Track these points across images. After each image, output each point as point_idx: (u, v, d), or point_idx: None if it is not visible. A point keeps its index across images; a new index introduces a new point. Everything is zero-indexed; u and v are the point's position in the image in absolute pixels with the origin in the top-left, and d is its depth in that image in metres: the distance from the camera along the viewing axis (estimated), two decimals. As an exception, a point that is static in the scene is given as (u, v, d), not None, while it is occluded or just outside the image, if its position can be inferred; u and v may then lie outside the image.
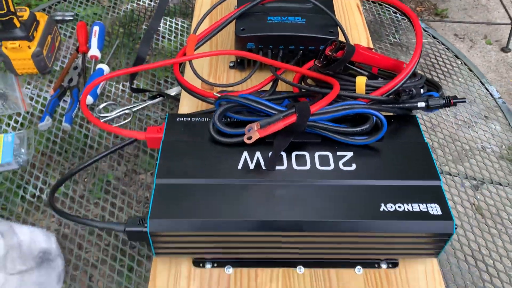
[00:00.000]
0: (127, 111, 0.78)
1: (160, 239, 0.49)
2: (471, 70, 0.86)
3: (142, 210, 0.67)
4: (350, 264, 0.54)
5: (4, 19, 0.75)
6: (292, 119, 0.53)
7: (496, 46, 1.98)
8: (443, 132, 0.77)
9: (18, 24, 0.77)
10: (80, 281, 0.60)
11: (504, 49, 1.94)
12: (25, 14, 0.79)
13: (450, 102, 0.58)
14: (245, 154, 0.54)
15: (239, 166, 0.53)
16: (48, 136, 0.75)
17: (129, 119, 0.77)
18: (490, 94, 0.82)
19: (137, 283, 0.59)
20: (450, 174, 0.71)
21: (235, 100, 0.55)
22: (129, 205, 0.67)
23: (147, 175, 0.71)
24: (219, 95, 0.59)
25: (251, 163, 0.53)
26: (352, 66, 0.62)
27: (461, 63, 0.88)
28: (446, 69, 0.87)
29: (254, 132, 0.51)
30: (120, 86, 0.83)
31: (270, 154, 0.53)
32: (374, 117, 0.55)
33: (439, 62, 0.89)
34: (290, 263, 0.54)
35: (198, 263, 0.54)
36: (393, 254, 0.53)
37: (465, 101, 0.57)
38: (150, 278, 0.52)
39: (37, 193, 0.68)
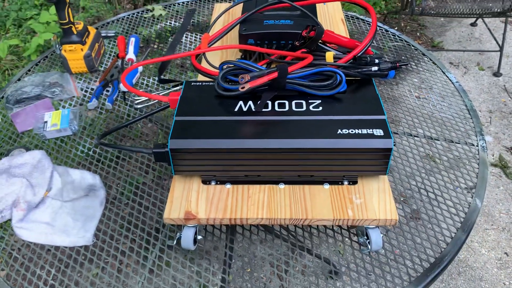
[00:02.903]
0: (155, 96, 0.99)
1: (178, 156, 0.68)
2: (434, 63, 1.05)
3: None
4: (319, 182, 0.71)
5: (65, 27, 0.99)
6: (274, 74, 0.73)
7: (488, 71, 2.16)
8: (407, 107, 0.95)
9: (75, 32, 1.01)
10: (117, 206, 0.78)
11: (496, 74, 2.12)
12: (80, 26, 1.04)
13: (396, 64, 0.76)
14: (240, 102, 0.73)
15: (236, 109, 0.72)
16: (94, 113, 0.96)
17: (156, 101, 0.98)
18: (449, 79, 0.99)
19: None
20: (411, 135, 0.88)
21: (234, 63, 0.76)
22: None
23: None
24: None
25: (245, 107, 0.72)
26: (324, 46, 0.82)
27: (428, 60, 1.07)
28: (414, 63, 1.06)
29: (246, 83, 0.71)
30: (151, 80, 1.05)
31: (259, 102, 0.73)
32: (338, 76, 0.74)
33: (408, 59, 1.08)
34: (274, 182, 0.72)
35: (205, 181, 0.72)
36: (351, 171, 0.70)
37: (407, 64, 0.76)
38: (169, 191, 0.70)
39: (85, 151, 0.88)
